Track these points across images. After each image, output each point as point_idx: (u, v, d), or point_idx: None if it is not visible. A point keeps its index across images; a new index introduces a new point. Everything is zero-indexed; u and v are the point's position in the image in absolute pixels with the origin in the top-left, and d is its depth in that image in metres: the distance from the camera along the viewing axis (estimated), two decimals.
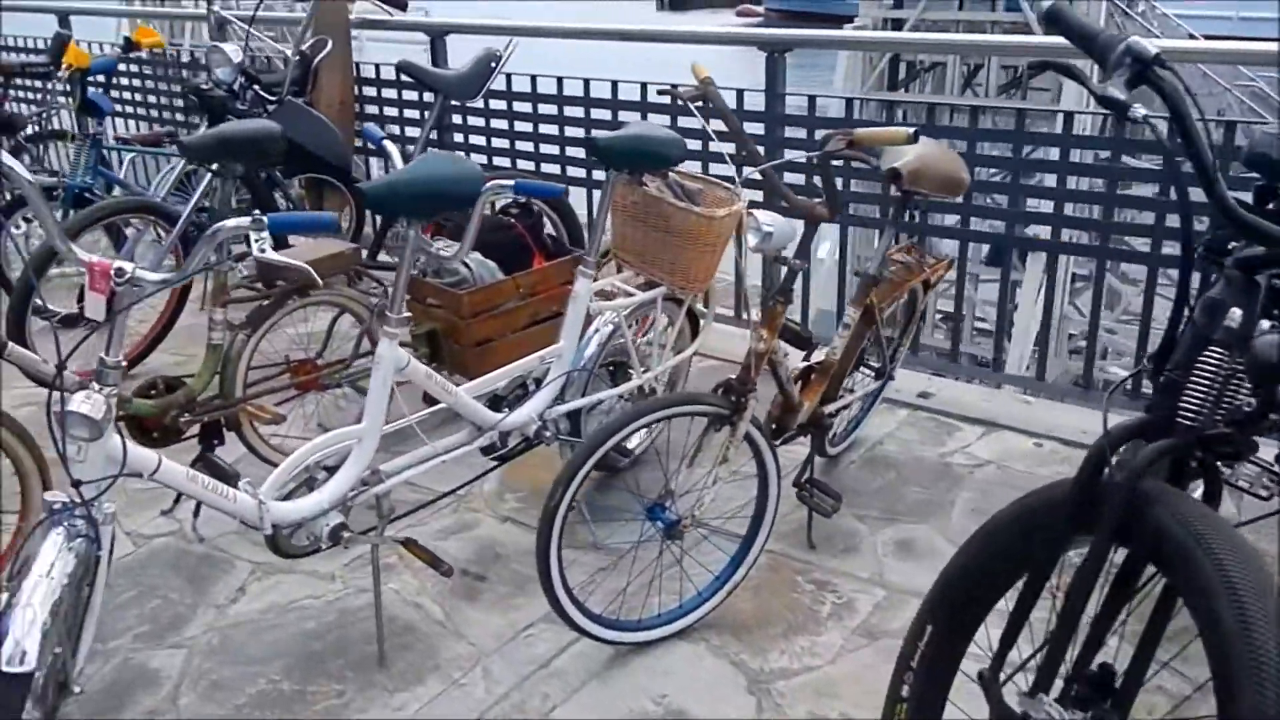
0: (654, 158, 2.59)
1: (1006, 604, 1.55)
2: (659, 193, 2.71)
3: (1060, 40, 1.39)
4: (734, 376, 2.27)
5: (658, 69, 3.73)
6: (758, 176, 2.60)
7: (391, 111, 4.88)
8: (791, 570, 2.60)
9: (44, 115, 5.55)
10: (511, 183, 2.22)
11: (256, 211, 1.65)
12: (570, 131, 4.35)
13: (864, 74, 13.00)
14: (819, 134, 3.20)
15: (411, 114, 4.79)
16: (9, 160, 3.05)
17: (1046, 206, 3.54)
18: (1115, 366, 9.89)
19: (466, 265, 3.33)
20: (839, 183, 3.29)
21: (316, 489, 2.25)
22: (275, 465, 3.03)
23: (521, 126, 4.51)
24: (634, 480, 2.95)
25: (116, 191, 4.37)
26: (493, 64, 3.94)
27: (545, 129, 4.44)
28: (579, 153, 4.37)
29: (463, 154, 4.60)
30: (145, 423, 2.74)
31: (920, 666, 1.63)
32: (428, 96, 4.32)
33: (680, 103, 2.58)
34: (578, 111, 4.30)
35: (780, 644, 2.35)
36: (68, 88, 4.05)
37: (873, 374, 3.09)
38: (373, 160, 4.99)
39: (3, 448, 2.40)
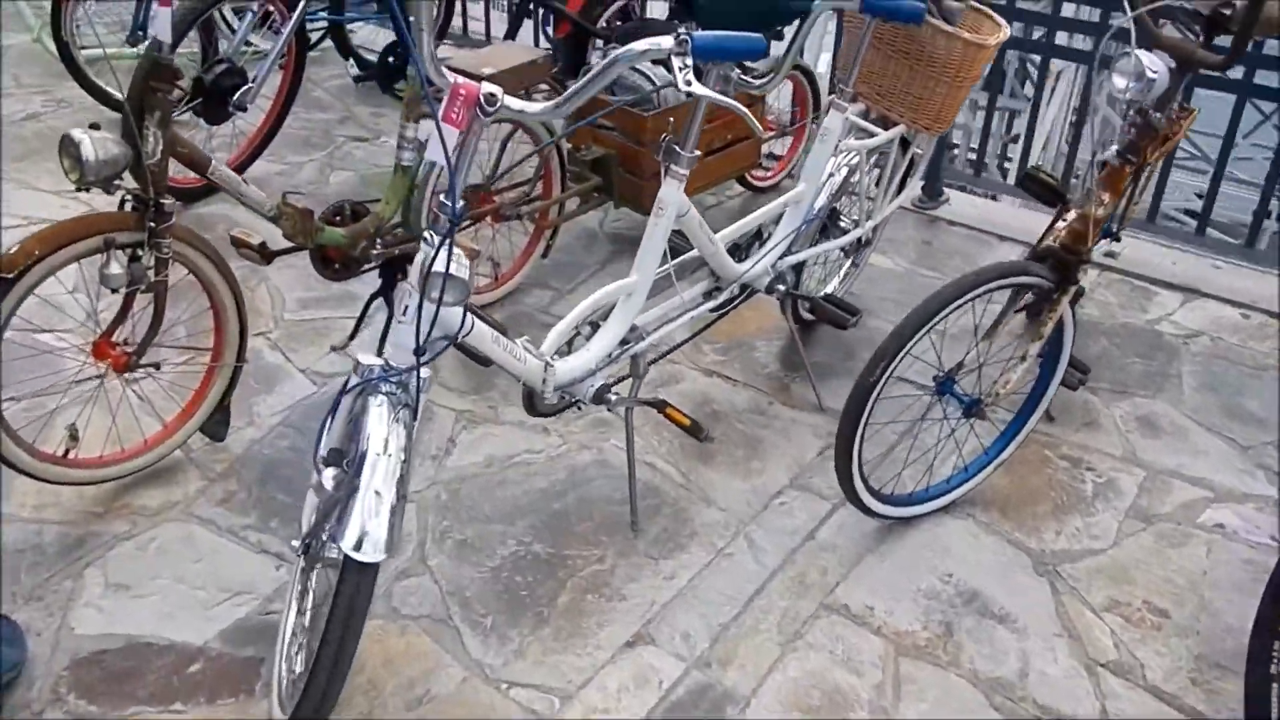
0: None
1: None
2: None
3: None
4: (1056, 243, 2.03)
5: None
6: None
7: None
8: (1038, 444, 2.44)
9: None
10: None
11: (681, 28, 1.33)
12: None
13: None
14: None
15: None
16: None
17: None
18: None
19: (650, 80, 2.98)
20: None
21: (580, 347, 2.02)
22: None
23: None
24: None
25: None
26: None
27: None
28: None
29: None
30: (328, 252, 2.44)
31: None
32: None
33: None
34: None
35: (1052, 524, 2.22)
36: None
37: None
38: None
39: (202, 280, 2.11)
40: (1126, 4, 1.84)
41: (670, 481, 2.29)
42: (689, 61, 1.35)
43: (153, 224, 1.94)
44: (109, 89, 3.83)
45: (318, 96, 4.20)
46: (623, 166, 3.04)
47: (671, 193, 1.94)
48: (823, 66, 7.30)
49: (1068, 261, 2.00)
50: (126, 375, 2.06)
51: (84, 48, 3.83)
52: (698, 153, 1.93)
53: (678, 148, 1.90)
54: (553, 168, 2.88)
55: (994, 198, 3.89)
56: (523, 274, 2.98)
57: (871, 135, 2.55)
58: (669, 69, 1.34)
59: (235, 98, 3.23)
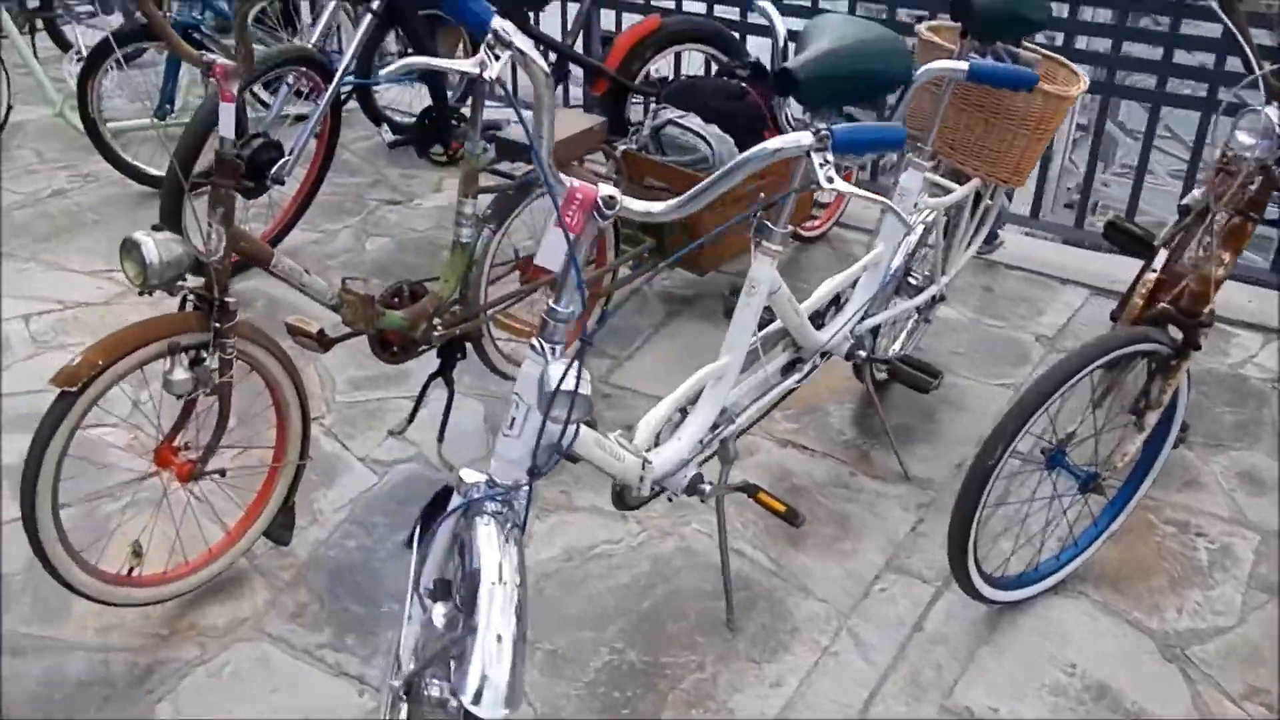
0: (1024, 22, 2.15)
1: None
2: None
3: None
4: (1173, 305, 1.91)
5: None
6: None
7: None
8: (1141, 508, 2.31)
9: None
10: (964, 66, 1.76)
11: (821, 127, 1.22)
12: None
13: None
14: None
15: None
16: None
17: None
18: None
19: (705, 140, 2.88)
20: None
21: (670, 437, 1.90)
22: (507, 377, 2.70)
23: None
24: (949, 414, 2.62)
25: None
26: None
27: None
28: None
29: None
30: (387, 336, 2.33)
31: None
32: None
33: None
34: None
35: (1171, 599, 2.09)
36: None
37: None
38: None
39: (266, 378, 2.00)
40: (1253, 59, 1.73)
41: (761, 569, 2.17)
42: (830, 158, 1.24)
43: (217, 324, 1.83)
44: (137, 163, 3.75)
45: (346, 159, 4.10)
46: (679, 227, 2.94)
47: (764, 270, 1.83)
48: None
49: (1187, 324, 1.88)
50: (191, 484, 1.94)
51: (109, 120, 3.75)
52: (790, 228, 1.82)
53: (770, 224, 1.79)
54: (606, 233, 2.78)
55: (1066, 241, 3.78)
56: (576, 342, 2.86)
57: (947, 191, 2.45)
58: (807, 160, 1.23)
59: (273, 171, 3.14)
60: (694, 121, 2.89)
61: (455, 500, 1.46)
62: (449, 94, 3.71)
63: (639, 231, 2.94)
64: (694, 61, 3.86)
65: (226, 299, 1.83)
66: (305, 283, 2.06)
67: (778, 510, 2.01)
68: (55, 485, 1.74)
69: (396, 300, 2.34)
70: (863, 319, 2.34)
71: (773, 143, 1.26)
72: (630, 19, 3.95)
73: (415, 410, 2.51)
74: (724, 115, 2.90)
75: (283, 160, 3.15)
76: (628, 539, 2.24)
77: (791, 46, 2.10)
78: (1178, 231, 2.60)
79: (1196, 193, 2.60)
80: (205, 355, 1.85)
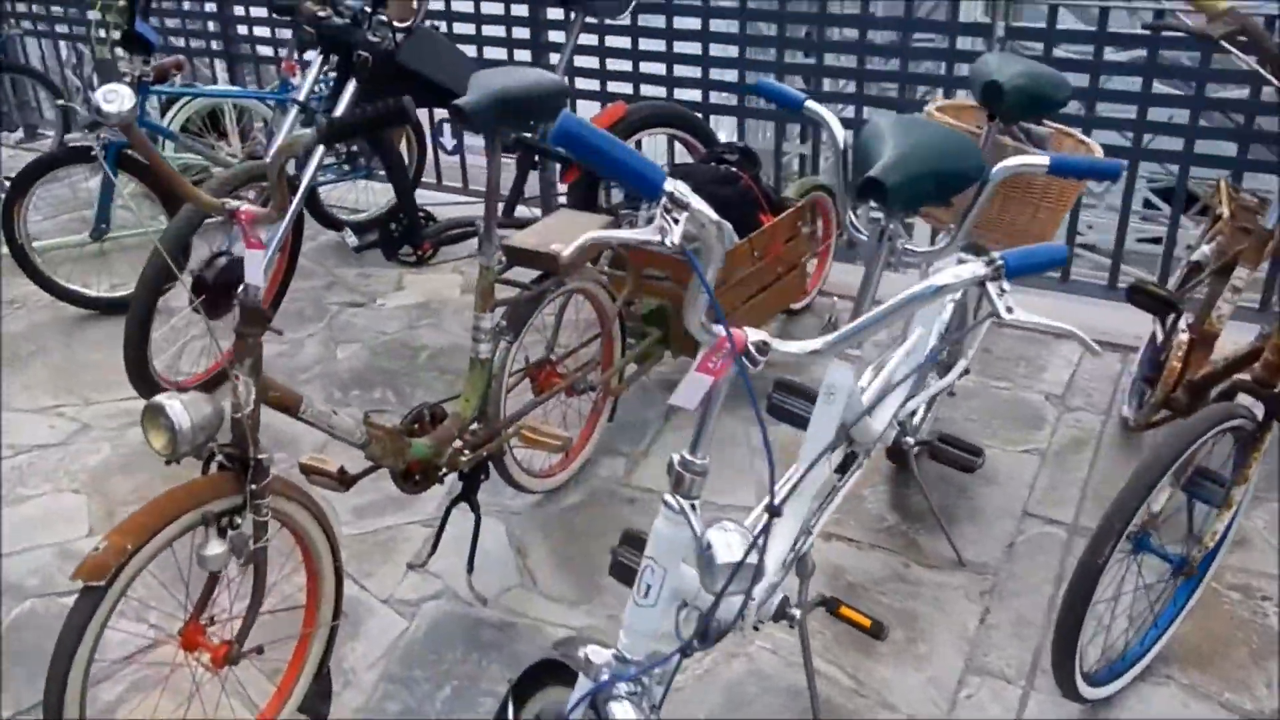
0: (1047, 101, 2.13)
1: None
2: (1010, 142, 2.27)
3: None
4: (1248, 376, 1.88)
5: None
6: None
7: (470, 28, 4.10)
8: None
9: None
10: (1044, 161, 1.70)
11: (996, 257, 1.13)
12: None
13: None
14: None
15: (493, 30, 4.06)
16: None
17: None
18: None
19: (716, 224, 2.78)
20: None
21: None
22: (533, 492, 2.53)
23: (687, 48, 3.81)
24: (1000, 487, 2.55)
25: (170, 148, 3.53)
26: None
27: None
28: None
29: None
30: (410, 465, 2.15)
31: None
32: (554, 13, 3.64)
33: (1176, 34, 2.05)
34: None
35: (1257, 674, 2.03)
36: (104, 16, 3.20)
37: None
38: None
39: (299, 537, 1.81)
40: None
41: (840, 688, 2.04)
42: (1006, 287, 1.15)
43: (252, 486, 1.64)
44: (70, 285, 3.48)
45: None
46: (680, 315, 2.83)
47: (845, 376, 1.73)
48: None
49: (1265, 395, 1.85)
50: (225, 668, 1.72)
51: (36, 239, 3.48)
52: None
53: (835, 320, 1.70)
54: (614, 330, 2.65)
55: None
56: (592, 444, 2.72)
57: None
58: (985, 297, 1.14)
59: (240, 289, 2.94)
60: None
61: (582, 684, 1.30)
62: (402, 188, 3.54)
63: (641, 324, 2.83)
64: (656, 146, 3.81)
65: (260, 456, 1.64)
66: (334, 424, 1.87)
67: (862, 625, 1.89)
68: (83, 697, 1.51)
69: (417, 426, 2.16)
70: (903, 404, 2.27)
71: (942, 278, 1.17)
72: (586, 106, 3.89)
73: (438, 539, 2.31)
74: (720, 201, 2.80)
75: None
76: (693, 666, 2.09)
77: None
78: (1193, 286, 2.62)
79: (1206, 248, 2.63)
80: (239, 520, 1.66)
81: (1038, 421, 2.89)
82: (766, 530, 1.18)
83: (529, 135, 3.01)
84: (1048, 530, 2.46)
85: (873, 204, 1.64)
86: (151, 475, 2.65)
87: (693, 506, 1.25)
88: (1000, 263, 1.14)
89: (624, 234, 1.15)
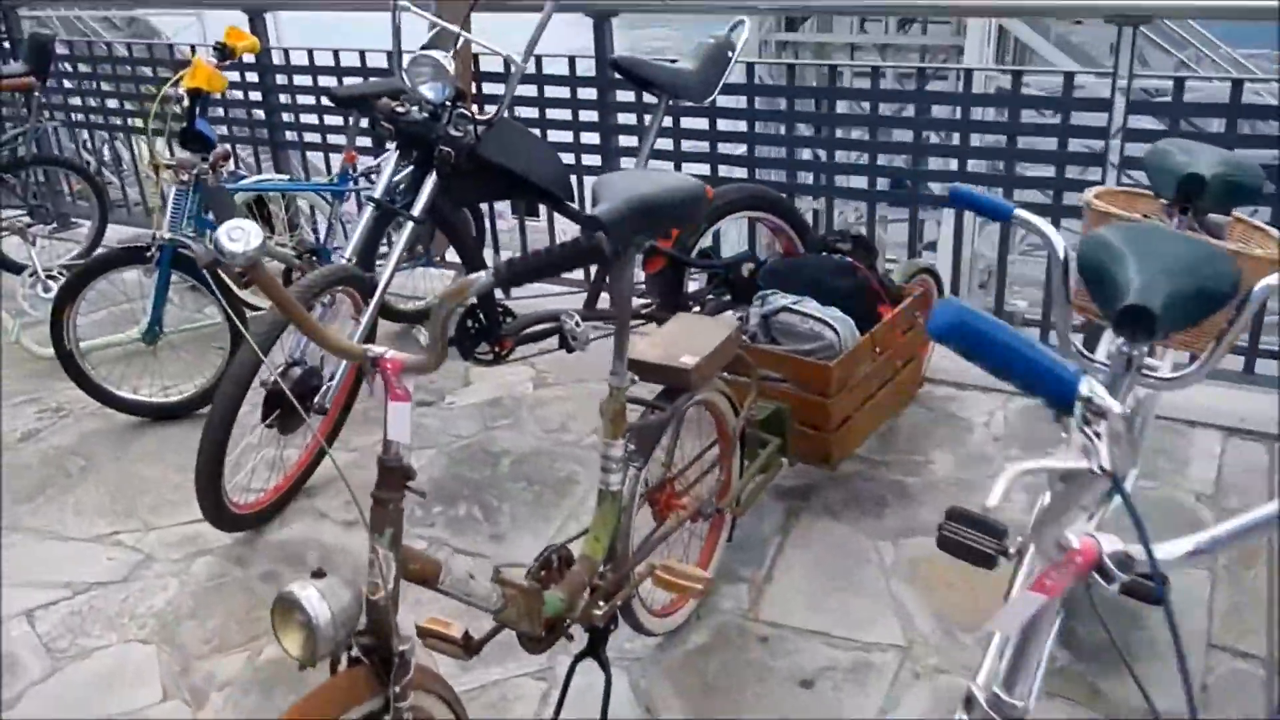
0: (1248, 191, 1.90)
1: None
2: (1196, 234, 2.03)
3: None
4: None
5: None
6: None
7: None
8: None
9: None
10: None
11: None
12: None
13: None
14: None
15: (557, 114, 3.86)
16: None
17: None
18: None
19: (830, 325, 2.55)
20: None
21: None
22: (654, 635, 2.26)
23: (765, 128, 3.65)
24: None
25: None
26: (729, 54, 3.13)
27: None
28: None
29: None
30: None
31: None
32: (624, 94, 3.44)
33: None
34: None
35: None
36: (161, 108, 3.01)
37: None
38: None
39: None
40: None
41: None
42: None
43: (396, 688, 1.37)
44: (121, 391, 3.24)
45: None
46: (799, 420, 2.58)
47: None
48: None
49: None
50: None
51: (81, 340, 3.25)
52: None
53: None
54: (735, 443, 2.39)
55: None
56: (712, 569, 2.44)
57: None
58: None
59: (315, 400, 2.71)
60: (811, 306, 2.57)
61: None
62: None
63: (759, 431, 2.58)
64: (734, 231, 3.60)
65: (403, 648, 1.38)
66: (471, 591, 1.61)
67: None
68: None
69: (545, 574, 1.89)
70: None
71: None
72: None
73: (562, 701, 2.03)
74: (841, 294, 2.59)
75: (325, 387, 2.74)
76: None
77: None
78: None
79: None
80: None
81: (1194, 526, 2.58)
82: None
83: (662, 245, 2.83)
84: (1239, 666, 2.18)
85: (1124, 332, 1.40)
86: (226, 619, 2.38)
87: None
88: None
89: (1050, 463, 0.88)
